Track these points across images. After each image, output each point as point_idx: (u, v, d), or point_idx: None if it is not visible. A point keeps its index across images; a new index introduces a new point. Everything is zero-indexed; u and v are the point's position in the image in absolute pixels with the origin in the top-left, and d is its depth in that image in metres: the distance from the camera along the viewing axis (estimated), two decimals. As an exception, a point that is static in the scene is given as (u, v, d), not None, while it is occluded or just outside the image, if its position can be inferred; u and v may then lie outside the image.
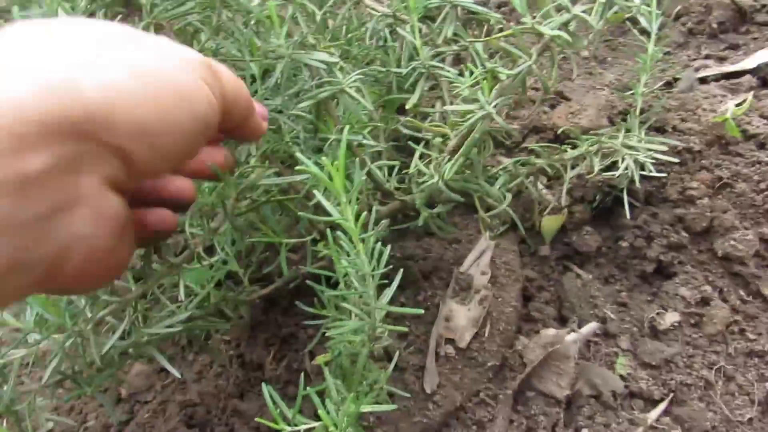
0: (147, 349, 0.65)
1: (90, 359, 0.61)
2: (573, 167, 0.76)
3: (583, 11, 0.58)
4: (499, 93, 0.58)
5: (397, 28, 0.75)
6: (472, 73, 0.69)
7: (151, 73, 0.39)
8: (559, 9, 0.58)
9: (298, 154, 0.47)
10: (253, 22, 0.63)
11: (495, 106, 0.56)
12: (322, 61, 0.63)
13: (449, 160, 0.63)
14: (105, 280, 0.41)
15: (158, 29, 0.65)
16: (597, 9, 0.57)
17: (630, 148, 0.77)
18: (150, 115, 0.38)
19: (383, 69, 0.82)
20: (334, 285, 0.64)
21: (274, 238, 0.75)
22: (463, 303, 0.89)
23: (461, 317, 0.87)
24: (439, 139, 0.66)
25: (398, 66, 0.87)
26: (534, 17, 0.58)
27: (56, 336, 0.61)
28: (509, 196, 0.68)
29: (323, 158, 0.43)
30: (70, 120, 0.35)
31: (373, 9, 0.80)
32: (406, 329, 0.87)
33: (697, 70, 1.18)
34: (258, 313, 0.98)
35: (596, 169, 0.71)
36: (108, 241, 0.39)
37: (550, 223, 0.95)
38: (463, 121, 0.61)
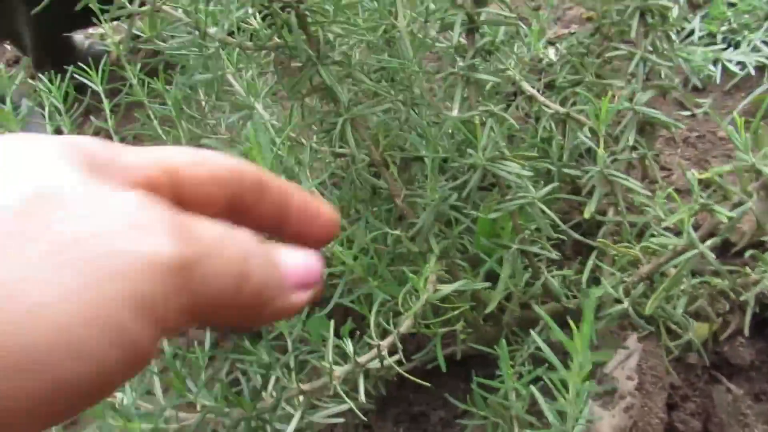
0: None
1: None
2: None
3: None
4: (710, 230, 0.56)
5: (577, 132, 0.74)
6: (661, 188, 0.67)
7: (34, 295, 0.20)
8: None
9: (541, 312, 0.46)
10: (448, 129, 0.64)
11: (707, 246, 0.54)
12: (514, 173, 0.63)
13: (639, 284, 0.62)
14: None
15: (353, 124, 0.67)
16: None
17: (813, 271, 0.73)
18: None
19: (551, 165, 0.81)
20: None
21: (432, 330, 0.75)
22: (605, 408, 0.85)
23: (604, 425, 0.84)
24: (624, 258, 0.64)
25: (560, 159, 0.86)
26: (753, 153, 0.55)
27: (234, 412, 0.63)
28: (693, 323, 0.65)
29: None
30: None
31: (545, 106, 0.80)
32: None
33: None
34: (391, 388, 0.98)
35: (785, 300, 0.67)
36: None
37: (701, 330, 0.90)
38: (660, 250, 0.59)
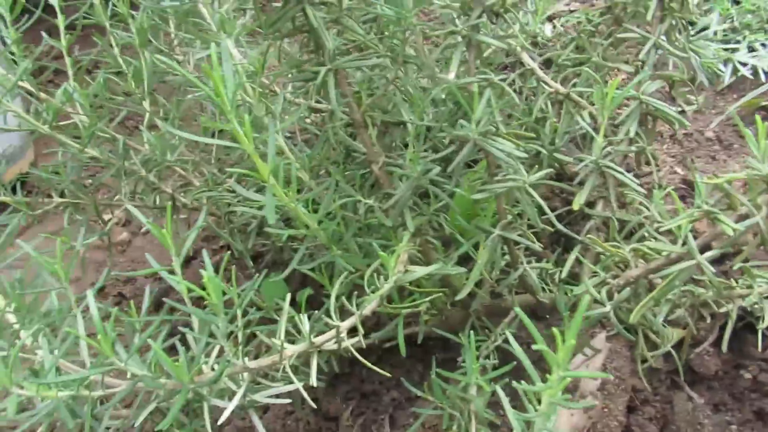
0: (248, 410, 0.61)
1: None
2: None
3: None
4: (711, 239, 0.51)
5: (577, 115, 0.69)
6: (660, 187, 0.62)
7: None
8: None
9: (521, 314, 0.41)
10: (443, 93, 0.58)
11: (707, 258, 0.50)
12: (507, 153, 0.57)
13: (625, 288, 0.57)
14: None
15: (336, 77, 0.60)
16: None
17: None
18: None
19: (542, 148, 0.75)
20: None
21: (395, 309, 0.70)
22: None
23: (562, 422, 0.81)
24: (610, 257, 0.60)
25: (552, 143, 0.80)
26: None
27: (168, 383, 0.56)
28: (673, 333, 0.61)
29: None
30: None
31: (545, 83, 0.74)
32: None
33: None
34: (342, 363, 0.93)
35: (767, 320, 0.64)
36: None
37: (669, 336, 0.88)
38: (652, 255, 0.54)
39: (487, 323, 0.75)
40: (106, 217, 0.88)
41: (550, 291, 0.69)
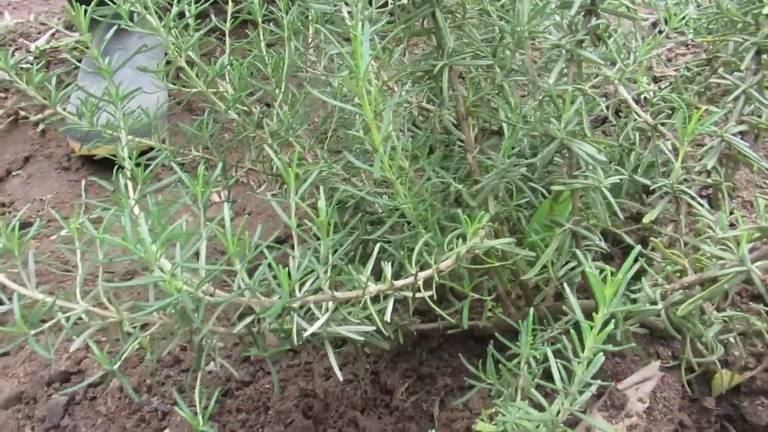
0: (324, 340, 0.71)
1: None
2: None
3: None
4: (764, 254, 0.57)
5: (658, 141, 0.75)
6: (731, 214, 0.67)
7: None
8: None
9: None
10: (540, 95, 0.67)
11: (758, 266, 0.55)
12: (588, 154, 0.65)
13: (678, 291, 0.63)
14: None
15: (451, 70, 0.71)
16: None
17: None
18: None
19: (625, 174, 0.82)
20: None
21: (465, 288, 0.78)
22: (610, 420, 0.86)
23: (604, 435, 0.85)
24: (669, 266, 0.65)
25: (634, 170, 0.87)
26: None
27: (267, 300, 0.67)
28: (721, 348, 0.65)
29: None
30: None
31: (636, 114, 0.81)
32: None
33: None
34: (407, 342, 1.01)
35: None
36: None
37: (725, 379, 0.90)
38: (706, 264, 0.60)
39: (548, 316, 0.81)
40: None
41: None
